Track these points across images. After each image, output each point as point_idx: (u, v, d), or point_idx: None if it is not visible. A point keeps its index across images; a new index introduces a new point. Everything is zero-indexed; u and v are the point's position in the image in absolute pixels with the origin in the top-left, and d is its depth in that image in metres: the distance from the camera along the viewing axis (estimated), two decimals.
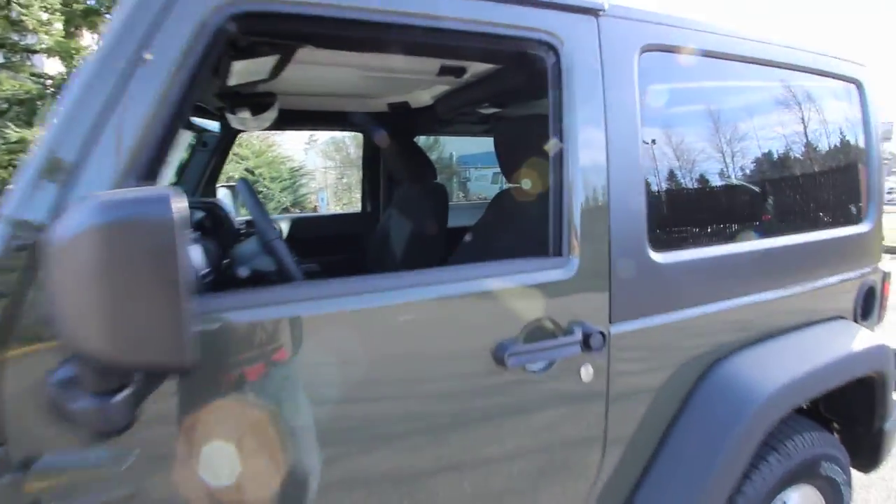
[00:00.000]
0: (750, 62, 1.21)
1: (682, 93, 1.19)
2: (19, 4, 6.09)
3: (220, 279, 1.02)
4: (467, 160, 13.97)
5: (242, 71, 1.08)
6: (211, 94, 1.52)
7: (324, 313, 0.77)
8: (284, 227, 2.40)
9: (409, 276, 0.86)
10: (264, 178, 10.14)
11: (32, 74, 6.07)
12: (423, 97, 2.13)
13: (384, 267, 2.23)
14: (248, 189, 1.04)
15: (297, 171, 11.36)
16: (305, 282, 0.95)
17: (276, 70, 1.17)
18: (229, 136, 2.10)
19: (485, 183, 13.27)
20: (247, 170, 9.91)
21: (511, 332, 0.89)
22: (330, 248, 2.52)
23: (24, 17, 6.34)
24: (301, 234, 2.46)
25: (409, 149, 2.10)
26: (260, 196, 8.41)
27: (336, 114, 2.28)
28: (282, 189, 10.48)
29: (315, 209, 11.36)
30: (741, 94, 1.26)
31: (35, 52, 6.45)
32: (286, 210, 10.52)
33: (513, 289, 0.90)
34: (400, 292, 0.82)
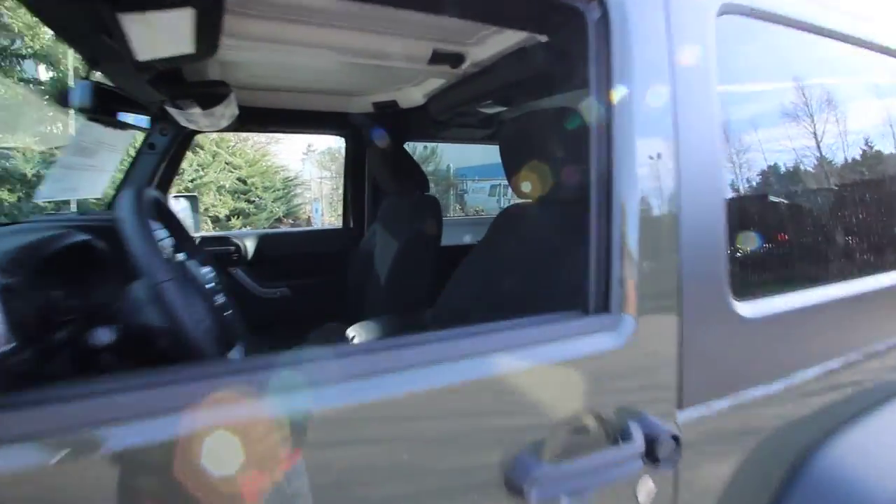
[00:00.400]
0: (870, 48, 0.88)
1: (780, 75, 0.85)
2: (5, 7, 5.82)
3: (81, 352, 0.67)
4: (466, 172, 13.72)
5: (146, 34, 0.76)
6: (136, 81, 1.19)
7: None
8: (251, 244, 2.06)
9: (356, 350, 0.52)
10: (257, 188, 9.85)
11: (21, 80, 5.79)
12: (413, 95, 1.81)
13: (365, 293, 1.89)
14: (132, 204, 0.69)
15: (290, 180, 11.07)
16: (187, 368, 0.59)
17: (205, 36, 0.84)
18: (181, 137, 1.77)
19: (481, 195, 13.03)
20: (239, 179, 9.62)
21: (531, 440, 0.55)
22: (307, 269, 2.17)
23: (10, 21, 6.05)
24: (274, 253, 2.11)
25: (398, 156, 1.78)
26: (251, 207, 8.03)
27: (314, 114, 1.96)
28: (274, 199, 10.18)
29: (309, 220, 11.02)
30: (865, 83, 0.93)
31: (23, 56, 6.16)
32: (279, 221, 10.21)
33: (532, 367, 0.56)
34: (338, 386, 0.48)
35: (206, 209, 8.73)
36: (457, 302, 1.19)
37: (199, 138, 9.37)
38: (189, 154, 8.70)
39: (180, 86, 1.36)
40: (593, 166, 0.62)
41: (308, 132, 2.14)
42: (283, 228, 2.01)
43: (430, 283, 1.64)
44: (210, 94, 1.39)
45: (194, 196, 2.05)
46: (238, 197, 9.50)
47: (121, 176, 1.75)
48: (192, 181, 8.54)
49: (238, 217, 9.31)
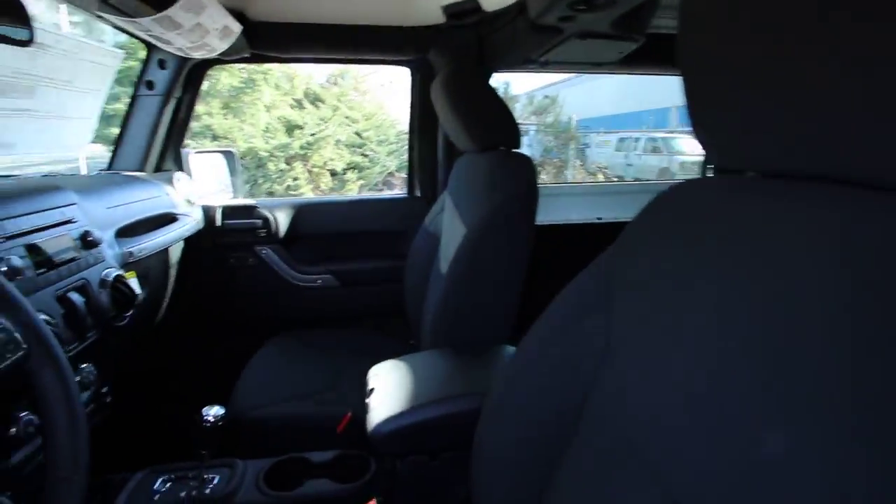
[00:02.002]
0: None
1: None
2: None
3: None
4: (589, 125, 12.08)
5: None
6: None
7: None
8: (283, 217, 1.59)
9: None
10: (371, 142, 9.83)
11: None
12: None
13: (426, 292, 1.32)
14: None
15: (405, 134, 10.86)
16: None
17: None
18: (188, 69, 1.31)
19: (606, 150, 11.30)
20: (356, 133, 9.66)
21: None
22: (358, 250, 1.67)
23: None
24: (314, 228, 1.64)
25: (477, 93, 1.11)
26: (366, 161, 8.04)
27: (364, 32, 1.36)
28: (388, 153, 10.10)
29: None
30: None
31: None
32: (391, 175, 10.17)
33: None
34: None
35: (325, 163, 8.93)
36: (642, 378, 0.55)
37: (320, 92, 9.53)
38: (311, 107, 8.90)
39: None
40: None
41: (359, 59, 1.55)
42: (328, 196, 1.62)
43: (513, 291, 1.01)
44: None
45: (231, 151, 1.64)
46: (354, 151, 9.58)
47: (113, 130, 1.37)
48: (312, 135, 8.73)
49: (353, 170, 9.42)
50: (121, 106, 1.33)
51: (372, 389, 0.91)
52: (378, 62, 1.57)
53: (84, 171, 1.31)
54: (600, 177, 10.28)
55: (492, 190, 1.02)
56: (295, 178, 8.34)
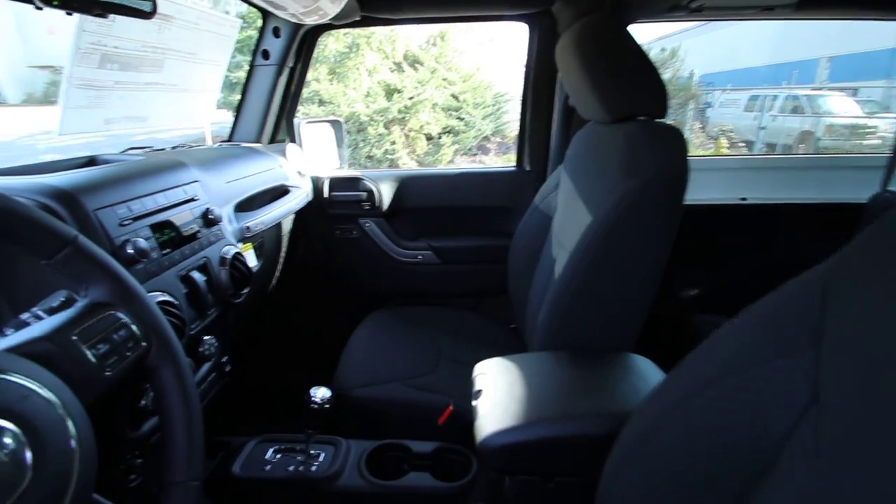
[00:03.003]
0: None
1: None
2: None
3: None
4: (714, 80, 10.52)
5: None
6: None
7: None
8: (387, 189, 1.54)
9: None
10: (468, 105, 9.61)
11: None
12: None
13: (533, 279, 1.20)
14: None
15: (501, 96, 10.46)
16: None
17: None
18: (304, 39, 1.28)
19: (732, 111, 9.75)
20: (452, 95, 9.50)
21: None
22: (460, 226, 1.59)
23: None
24: (416, 201, 1.58)
25: (621, 52, 0.92)
26: (461, 124, 7.95)
27: None
28: (484, 116, 9.82)
29: (515, 140, 10.40)
30: None
31: None
32: (486, 139, 9.94)
33: None
34: None
35: (421, 126, 8.95)
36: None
37: (419, 54, 9.46)
38: (410, 70, 8.89)
39: None
40: None
41: (473, 16, 1.41)
42: (432, 169, 1.54)
43: (647, 291, 0.85)
44: None
45: (338, 121, 1.62)
46: (450, 114, 9.46)
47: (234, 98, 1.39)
48: (410, 98, 8.75)
49: (448, 134, 9.33)
50: (243, 74, 1.36)
51: (479, 391, 0.83)
52: (494, 18, 1.41)
53: (209, 142, 1.36)
54: (723, 141, 9.04)
55: (629, 170, 0.85)
56: (392, 143, 8.49)
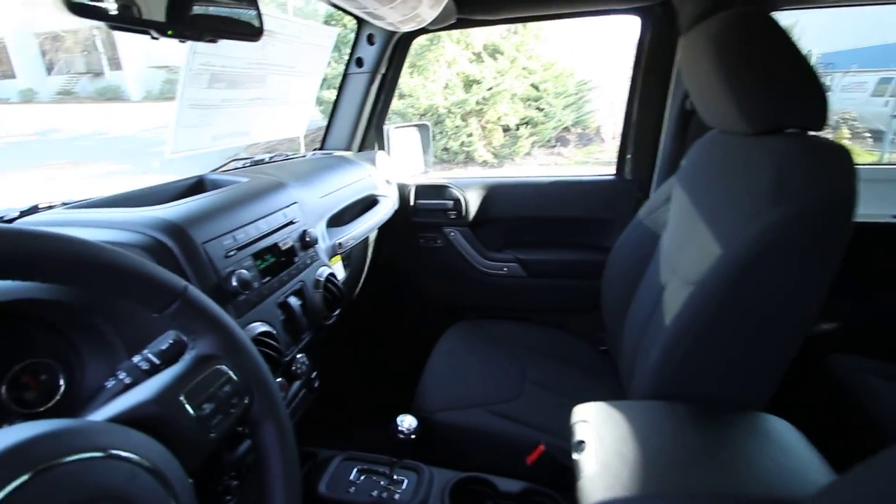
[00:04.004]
0: None
1: None
2: None
3: None
4: (836, 60, 9.13)
5: None
6: None
7: None
8: (474, 197, 1.48)
9: None
10: (548, 94, 9.26)
11: None
12: None
13: (634, 305, 1.09)
14: None
15: (584, 84, 9.94)
16: None
17: None
18: (397, 45, 1.24)
19: (856, 96, 8.32)
20: (532, 85, 9.19)
21: None
22: (551, 238, 1.49)
23: None
24: (503, 211, 1.49)
25: (772, 50, 0.76)
26: (540, 115, 7.70)
27: None
28: (564, 106, 9.41)
29: (597, 131, 9.84)
30: None
31: None
32: (566, 130, 9.54)
33: None
34: None
35: (499, 118, 8.79)
36: None
37: (499, 43, 9.26)
38: (489, 60, 8.74)
39: None
40: None
41: (578, 12, 1.28)
42: (519, 178, 1.45)
43: (792, 338, 0.73)
44: None
45: (426, 125, 1.58)
46: (529, 104, 9.18)
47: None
48: (489, 89, 8.61)
49: (526, 125, 9.06)
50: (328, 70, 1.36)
51: (582, 443, 0.74)
52: (601, 13, 1.27)
53: (302, 149, 1.39)
54: (844, 132, 7.87)
55: (777, 195, 0.71)
56: (469, 135, 8.43)
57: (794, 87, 0.75)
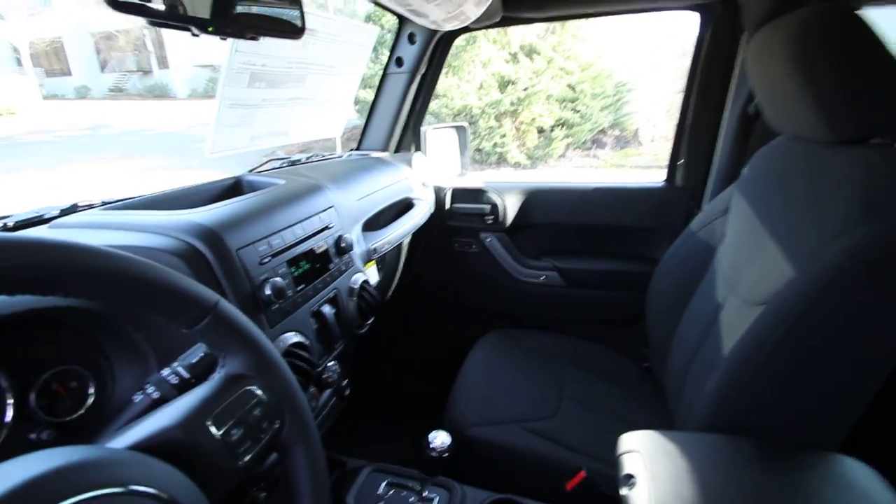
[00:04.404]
0: None
1: None
2: None
3: None
4: None
5: None
6: None
7: None
8: (512, 203, 1.42)
9: None
10: (585, 95, 9.04)
11: None
12: None
13: (675, 312, 1.02)
14: None
15: (623, 85, 9.66)
16: None
17: None
18: (438, 44, 1.20)
19: None
20: (569, 86, 9.00)
21: None
22: (592, 246, 1.42)
23: None
24: (542, 217, 1.43)
25: (860, 51, 0.68)
26: (577, 116, 7.56)
27: None
28: (602, 108, 9.17)
29: (636, 133, 9.54)
30: None
31: None
32: (602, 133, 9.31)
33: None
34: None
35: (533, 119, 8.66)
36: None
37: (536, 43, 9.12)
38: (525, 60, 8.62)
39: None
40: None
41: (629, 9, 1.20)
42: (560, 183, 1.38)
43: (874, 372, 0.65)
44: None
45: (464, 126, 1.53)
46: (565, 105, 9.00)
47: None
48: (524, 90, 8.49)
49: (561, 127, 8.89)
50: None
51: (632, 478, 0.68)
52: (656, 9, 1.19)
53: (339, 149, 1.37)
54: None
55: (865, 212, 0.63)
56: (503, 136, 8.33)
57: (884, 93, 0.66)
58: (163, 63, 17.13)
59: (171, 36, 16.42)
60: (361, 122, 1.42)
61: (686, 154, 1.28)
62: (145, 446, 0.34)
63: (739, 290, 0.85)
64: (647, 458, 0.70)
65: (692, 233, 1.06)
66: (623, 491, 0.68)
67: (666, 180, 1.36)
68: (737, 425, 0.74)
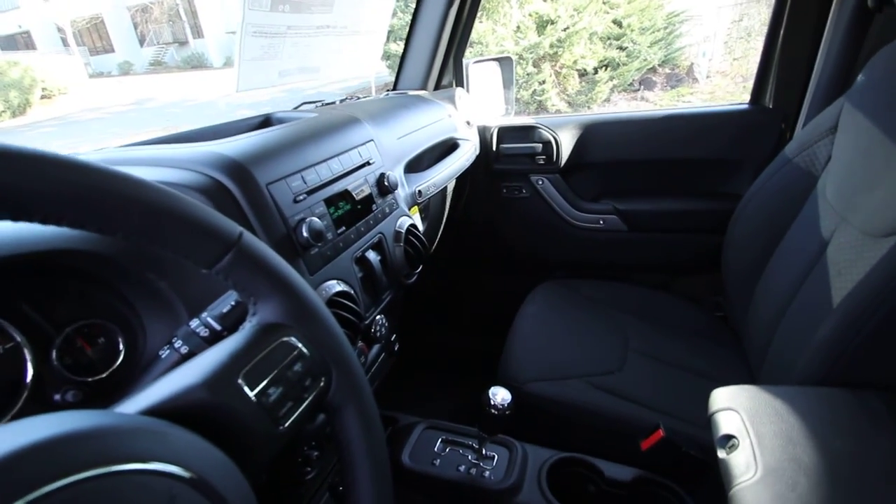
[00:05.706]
0: None
1: None
2: None
3: None
4: None
5: None
6: None
7: None
8: (568, 137, 1.27)
9: None
10: (632, 30, 8.28)
11: None
12: None
13: (761, 257, 0.89)
14: None
15: (675, 15, 8.75)
16: None
17: None
18: None
19: None
20: (614, 21, 8.27)
21: None
22: (662, 181, 1.27)
23: None
24: (602, 152, 1.28)
25: None
26: (622, 55, 7.02)
27: None
28: (651, 43, 8.39)
29: (690, 69, 8.71)
30: None
31: None
32: (652, 71, 8.60)
33: None
34: None
35: (574, 61, 8.09)
36: None
37: None
38: None
39: None
40: None
41: None
42: (622, 113, 1.20)
43: None
44: None
45: (509, 58, 1.38)
46: (609, 44, 8.31)
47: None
48: (564, 29, 7.89)
49: (606, 69, 8.26)
50: None
51: (731, 437, 0.58)
52: None
53: (373, 92, 1.26)
54: None
55: None
56: (542, 82, 7.85)
57: None
58: (197, 32, 17.22)
59: (203, 3, 16.37)
60: (392, 77, 1.29)
61: (777, 69, 1.08)
62: (162, 410, 0.27)
63: (854, 221, 0.71)
64: (749, 418, 0.59)
65: (787, 160, 0.90)
66: (721, 454, 0.58)
67: (751, 102, 1.16)
68: (857, 378, 0.62)
